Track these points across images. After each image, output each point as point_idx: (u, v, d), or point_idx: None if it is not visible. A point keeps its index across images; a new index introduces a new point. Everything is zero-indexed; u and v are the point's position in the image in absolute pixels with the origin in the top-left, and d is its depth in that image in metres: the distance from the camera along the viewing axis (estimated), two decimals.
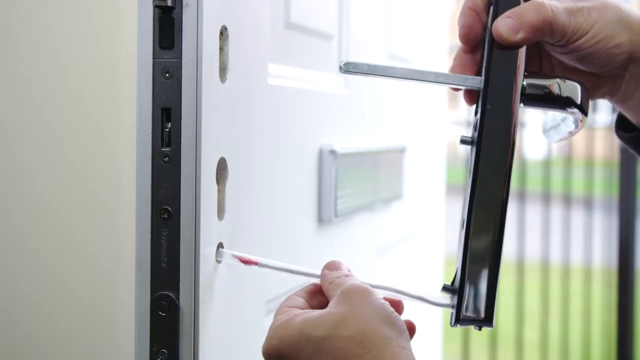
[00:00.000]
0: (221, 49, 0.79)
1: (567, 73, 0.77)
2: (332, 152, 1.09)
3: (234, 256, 0.79)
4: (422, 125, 1.66)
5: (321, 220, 1.09)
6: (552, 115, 0.81)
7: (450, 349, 3.95)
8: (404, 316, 0.75)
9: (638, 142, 0.79)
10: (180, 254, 0.75)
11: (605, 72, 0.76)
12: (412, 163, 1.52)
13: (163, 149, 0.75)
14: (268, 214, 0.94)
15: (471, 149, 0.75)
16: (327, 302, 0.73)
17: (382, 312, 0.71)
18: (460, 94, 0.78)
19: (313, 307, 0.74)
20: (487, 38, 0.75)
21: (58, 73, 0.96)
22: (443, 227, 1.86)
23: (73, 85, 0.96)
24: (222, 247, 0.80)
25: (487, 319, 0.75)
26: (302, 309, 0.74)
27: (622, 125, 0.81)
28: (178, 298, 0.75)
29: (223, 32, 0.79)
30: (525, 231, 3.49)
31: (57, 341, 0.97)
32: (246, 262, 0.79)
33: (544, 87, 0.75)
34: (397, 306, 0.77)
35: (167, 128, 0.75)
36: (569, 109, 0.76)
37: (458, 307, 0.75)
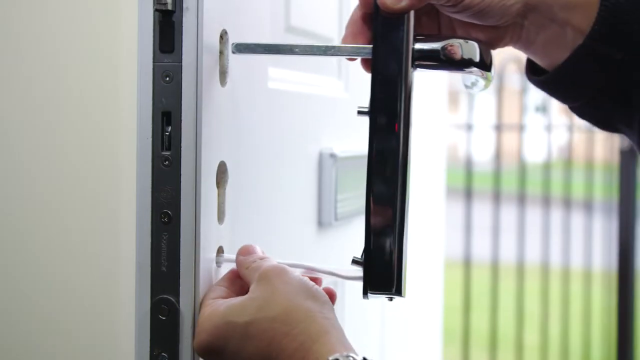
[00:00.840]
0: (221, 52, 0.79)
1: (467, 30, 0.77)
2: (332, 155, 1.09)
3: None
4: (422, 128, 1.66)
5: (321, 223, 1.09)
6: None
7: (451, 351, 3.95)
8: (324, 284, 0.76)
9: (548, 85, 0.78)
10: (181, 257, 0.75)
11: (504, 23, 0.75)
12: (411, 166, 1.52)
13: (163, 153, 0.75)
14: (268, 217, 0.94)
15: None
16: (248, 287, 0.74)
17: (302, 287, 0.72)
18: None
19: (237, 293, 0.75)
20: (374, 6, 0.74)
21: (58, 75, 0.96)
22: (443, 230, 1.86)
23: (73, 87, 0.96)
24: (222, 250, 0.80)
25: (397, 290, 0.75)
26: (225, 297, 0.75)
27: (532, 70, 0.80)
28: (178, 302, 0.75)
29: (223, 35, 0.79)
30: (525, 234, 3.49)
31: (57, 344, 0.97)
32: None
33: (437, 49, 0.74)
34: (316, 280, 0.78)
35: (167, 132, 0.75)
36: (467, 69, 0.75)
37: (365, 279, 0.75)
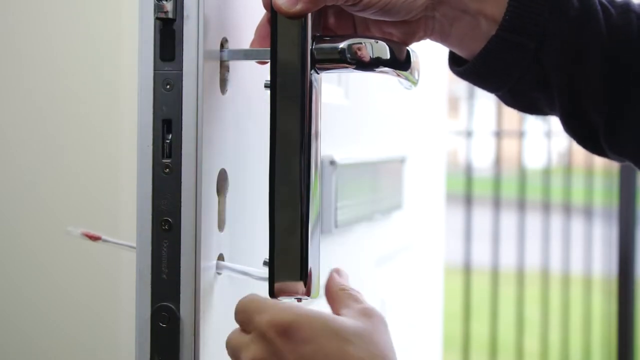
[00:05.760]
0: (222, 60, 0.79)
1: (380, 27, 0.76)
2: (332, 162, 1.09)
3: (82, 233, 0.80)
4: (422, 135, 1.66)
5: (321, 231, 1.09)
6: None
7: (451, 358, 3.95)
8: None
9: (468, 75, 0.77)
10: (181, 265, 0.75)
11: (413, 17, 0.74)
12: (412, 173, 1.53)
13: (164, 160, 0.75)
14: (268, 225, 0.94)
15: None
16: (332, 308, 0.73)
17: (392, 347, 0.72)
18: None
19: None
20: (271, 9, 0.73)
21: (60, 83, 0.96)
22: (443, 236, 1.86)
23: (74, 95, 0.96)
24: (223, 258, 0.80)
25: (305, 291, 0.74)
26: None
27: (454, 60, 0.79)
28: (178, 309, 0.75)
29: (224, 43, 0.79)
30: (525, 240, 3.49)
31: (57, 350, 0.97)
32: (91, 237, 0.80)
33: (340, 50, 0.72)
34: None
35: (168, 139, 0.75)
36: (378, 69, 0.73)
37: (271, 279, 0.74)
